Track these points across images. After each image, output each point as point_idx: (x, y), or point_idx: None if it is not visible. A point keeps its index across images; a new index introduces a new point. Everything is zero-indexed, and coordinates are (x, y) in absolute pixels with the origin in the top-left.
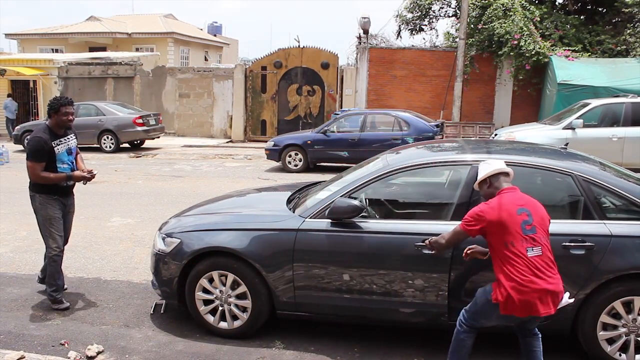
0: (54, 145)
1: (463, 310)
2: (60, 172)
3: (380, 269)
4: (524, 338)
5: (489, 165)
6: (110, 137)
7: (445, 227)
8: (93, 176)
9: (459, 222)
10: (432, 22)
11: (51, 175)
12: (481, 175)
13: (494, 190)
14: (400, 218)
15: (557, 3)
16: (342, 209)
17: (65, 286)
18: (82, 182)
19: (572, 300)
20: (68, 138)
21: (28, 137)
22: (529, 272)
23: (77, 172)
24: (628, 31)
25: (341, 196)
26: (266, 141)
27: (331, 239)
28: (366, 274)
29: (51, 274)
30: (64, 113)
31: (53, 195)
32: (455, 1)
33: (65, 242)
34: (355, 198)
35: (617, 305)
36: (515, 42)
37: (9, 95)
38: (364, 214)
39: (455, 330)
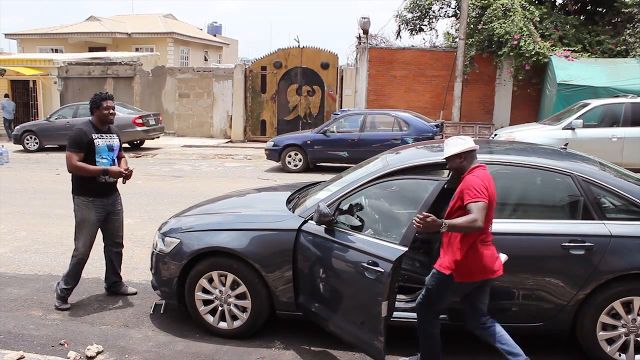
0: (94, 138)
1: (417, 308)
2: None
3: (337, 282)
4: (482, 330)
5: (465, 141)
6: None
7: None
8: (130, 172)
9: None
10: (432, 22)
11: (88, 166)
12: (457, 149)
13: (467, 165)
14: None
15: (557, 3)
16: (318, 214)
17: (135, 290)
18: (121, 179)
19: (506, 257)
20: (111, 136)
21: (28, 137)
22: (486, 243)
23: (114, 167)
24: (628, 31)
25: (327, 203)
26: (266, 141)
27: (321, 242)
28: (334, 284)
29: (71, 272)
30: (105, 107)
31: (89, 197)
32: (455, 1)
33: (120, 244)
34: (341, 202)
35: (617, 305)
36: (515, 42)
37: (6, 96)
38: (345, 222)
39: (418, 330)
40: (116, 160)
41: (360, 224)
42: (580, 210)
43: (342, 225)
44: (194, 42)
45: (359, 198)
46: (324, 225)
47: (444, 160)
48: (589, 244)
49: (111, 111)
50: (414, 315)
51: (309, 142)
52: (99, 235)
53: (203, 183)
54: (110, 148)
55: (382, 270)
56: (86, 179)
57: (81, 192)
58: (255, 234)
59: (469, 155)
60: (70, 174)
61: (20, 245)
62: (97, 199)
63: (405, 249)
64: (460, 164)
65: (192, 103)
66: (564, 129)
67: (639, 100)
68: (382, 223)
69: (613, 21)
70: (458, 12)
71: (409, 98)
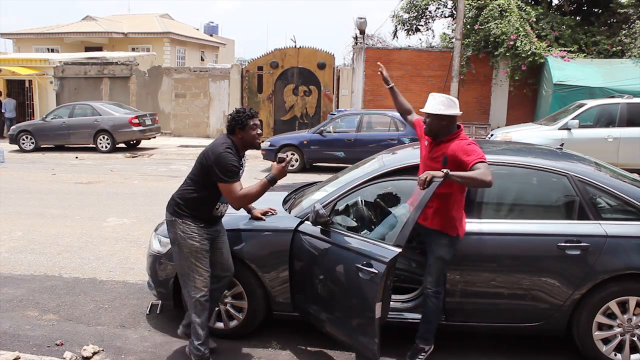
0: (242, 165)
1: (427, 287)
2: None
3: (333, 283)
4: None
5: (455, 103)
6: (106, 137)
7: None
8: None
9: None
10: (429, 22)
11: (253, 190)
12: (449, 111)
13: (449, 129)
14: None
15: (553, 4)
16: (314, 215)
17: (215, 345)
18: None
19: None
20: (245, 160)
21: (23, 137)
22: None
23: (275, 165)
24: (623, 32)
25: (323, 204)
26: (262, 141)
27: (317, 243)
28: (330, 284)
29: (194, 323)
30: (252, 127)
31: (200, 223)
32: (452, 2)
33: (230, 269)
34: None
35: (612, 305)
36: (512, 42)
37: (8, 95)
38: (341, 223)
39: (428, 306)
40: None
41: (356, 224)
42: (576, 211)
43: (338, 226)
44: (191, 42)
45: (355, 198)
46: (320, 226)
47: (426, 113)
48: (585, 244)
49: (258, 131)
50: (410, 315)
51: (305, 142)
52: None
53: None
54: None
55: (376, 271)
56: (205, 203)
57: (189, 214)
58: (252, 235)
59: (454, 119)
60: (177, 197)
61: (16, 246)
62: (207, 225)
63: (400, 249)
64: (443, 124)
65: (188, 103)
66: (560, 129)
67: (634, 100)
68: (378, 224)
69: (609, 22)
70: (454, 12)
71: (406, 98)
